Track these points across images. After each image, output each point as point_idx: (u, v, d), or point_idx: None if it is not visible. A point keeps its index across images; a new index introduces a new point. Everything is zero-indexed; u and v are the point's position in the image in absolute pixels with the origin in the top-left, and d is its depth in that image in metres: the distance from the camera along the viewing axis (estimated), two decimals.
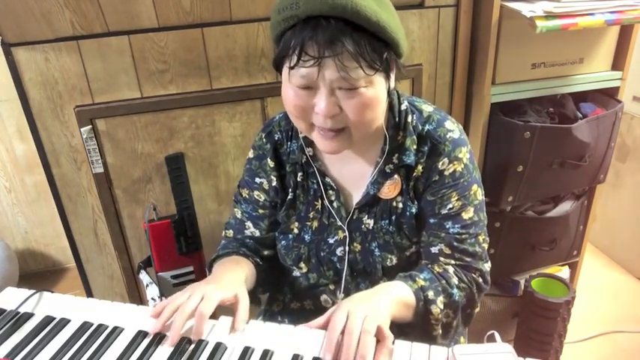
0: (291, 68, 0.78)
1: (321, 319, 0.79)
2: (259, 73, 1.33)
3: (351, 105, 0.79)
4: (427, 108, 0.95)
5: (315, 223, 0.99)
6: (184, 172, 1.37)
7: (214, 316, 0.83)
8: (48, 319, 0.83)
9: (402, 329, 0.86)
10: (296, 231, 1.00)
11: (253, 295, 1.00)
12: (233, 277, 0.90)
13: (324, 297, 1.02)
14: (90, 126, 1.25)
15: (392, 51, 0.81)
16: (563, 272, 1.74)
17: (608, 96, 1.56)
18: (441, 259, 0.93)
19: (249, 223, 1.04)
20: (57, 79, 1.20)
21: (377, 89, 0.80)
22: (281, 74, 0.84)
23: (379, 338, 0.75)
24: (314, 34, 0.74)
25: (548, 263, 1.73)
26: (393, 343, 0.76)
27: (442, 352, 0.76)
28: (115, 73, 1.24)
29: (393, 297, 0.83)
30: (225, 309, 0.85)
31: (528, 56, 1.41)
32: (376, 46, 0.77)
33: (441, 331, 0.89)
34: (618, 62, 1.51)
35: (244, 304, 0.84)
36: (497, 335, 0.78)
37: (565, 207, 1.63)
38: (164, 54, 1.25)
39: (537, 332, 1.56)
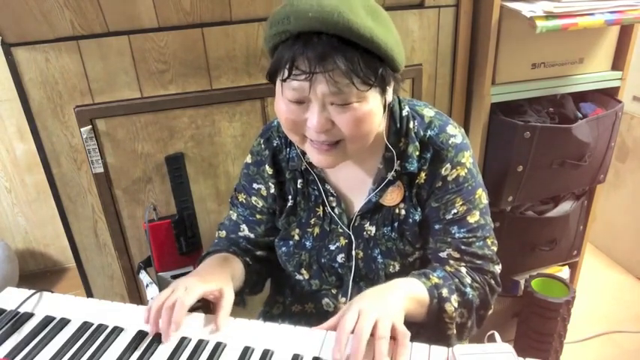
0: (284, 81, 0.77)
1: (332, 320, 0.78)
2: (259, 73, 1.33)
3: (344, 120, 0.78)
4: (428, 113, 0.94)
5: (317, 230, 0.98)
6: (184, 172, 1.37)
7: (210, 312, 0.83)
8: (48, 319, 0.83)
9: (417, 331, 0.85)
10: (297, 237, 0.99)
11: (239, 295, 0.98)
12: (219, 272, 0.89)
13: (325, 300, 1.02)
14: (90, 126, 1.25)
15: (387, 66, 0.79)
16: (563, 272, 1.74)
17: (608, 96, 1.55)
18: (451, 262, 0.92)
19: (244, 226, 1.04)
20: (57, 79, 1.20)
21: (370, 104, 0.79)
22: (275, 86, 0.83)
23: (395, 336, 0.73)
24: (305, 50, 0.73)
25: (548, 263, 1.73)
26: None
27: (442, 352, 0.76)
28: (115, 73, 1.24)
29: (407, 292, 0.82)
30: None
31: (528, 56, 1.41)
32: (370, 62, 0.76)
33: (455, 331, 0.88)
34: (618, 62, 1.51)
35: (228, 301, 0.83)
36: (497, 335, 0.78)
37: (565, 207, 1.63)
38: (164, 54, 1.25)
39: (537, 332, 1.56)
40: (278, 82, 0.80)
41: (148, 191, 1.38)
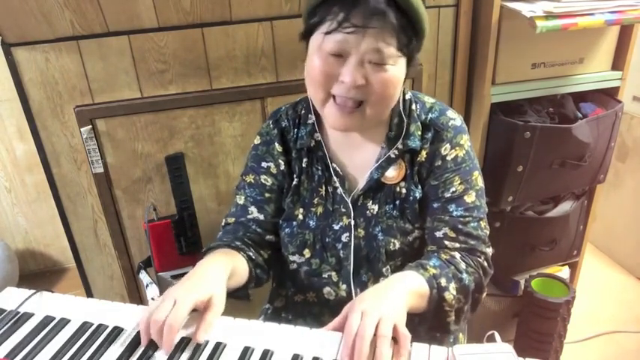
0: (328, 33, 0.81)
1: (336, 322, 0.79)
2: (259, 73, 1.33)
3: (377, 79, 0.83)
4: (429, 99, 1.00)
5: (320, 209, 1.00)
6: (184, 172, 1.37)
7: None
8: (48, 319, 0.83)
9: (418, 321, 0.86)
10: (300, 217, 1.00)
11: (243, 290, 0.98)
12: (213, 275, 0.85)
13: (327, 289, 1.02)
14: (90, 126, 1.25)
15: (418, 41, 0.86)
16: (563, 272, 1.74)
17: (608, 96, 1.56)
18: (446, 242, 0.94)
19: (252, 208, 1.02)
20: (57, 79, 1.20)
21: (400, 70, 0.85)
22: (307, 44, 0.88)
23: (396, 337, 0.74)
24: (360, 4, 0.78)
25: (548, 263, 1.73)
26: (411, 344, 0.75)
27: (442, 352, 0.76)
28: (115, 73, 1.24)
29: (408, 287, 0.83)
30: (227, 311, 0.84)
31: (528, 56, 1.41)
32: (408, 30, 0.82)
33: (454, 317, 0.89)
34: (618, 62, 1.51)
35: (215, 311, 0.80)
36: (497, 335, 0.78)
37: (565, 207, 1.63)
38: (164, 54, 1.25)
39: (537, 332, 1.56)
40: (316, 36, 0.84)
41: (148, 191, 1.38)
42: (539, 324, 1.54)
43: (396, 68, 0.84)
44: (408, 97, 0.97)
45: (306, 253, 1.01)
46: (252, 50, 1.30)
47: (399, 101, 0.95)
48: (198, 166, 1.38)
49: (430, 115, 0.96)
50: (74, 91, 1.23)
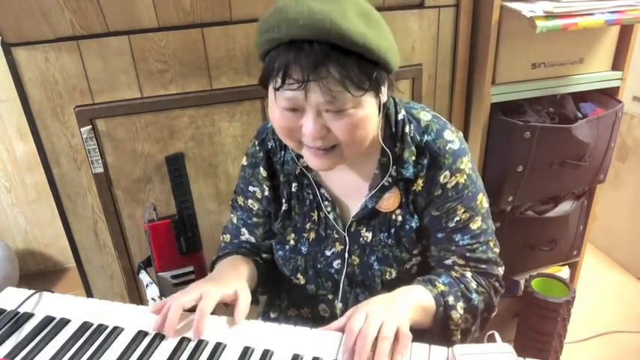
0: (277, 90, 0.76)
1: (339, 322, 0.79)
2: (259, 73, 1.32)
3: (340, 126, 0.77)
4: (425, 116, 0.91)
5: (312, 235, 0.97)
6: (184, 172, 1.37)
7: (214, 314, 0.83)
8: (48, 319, 0.83)
9: (421, 335, 0.85)
10: (292, 242, 0.98)
11: (253, 295, 0.99)
12: (233, 275, 0.89)
13: (322, 306, 1.02)
14: (90, 126, 1.25)
15: (381, 70, 0.78)
16: (563, 272, 1.74)
17: (608, 96, 1.55)
18: (456, 268, 0.92)
19: (244, 230, 1.04)
20: (57, 79, 1.20)
21: (366, 109, 0.78)
22: (267, 92, 0.81)
23: (397, 337, 0.74)
24: (297, 58, 0.72)
25: (548, 263, 1.73)
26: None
27: (442, 352, 0.76)
28: (115, 73, 1.23)
29: (412, 302, 0.82)
30: (227, 310, 0.85)
31: (528, 56, 1.41)
32: (364, 67, 0.74)
33: (459, 337, 0.89)
34: (618, 62, 1.51)
35: (245, 300, 0.83)
36: (497, 335, 0.78)
37: (565, 207, 1.63)
38: (164, 54, 1.25)
39: (537, 332, 1.56)
40: (271, 89, 0.79)
41: (148, 191, 1.38)
42: (539, 324, 1.54)
43: (360, 109, 0.77)
44: (400, 117, 0.89)
45: (300, 278, 0.99)
46: (252, 50, 1.30)
47: (390, 123, 0.89)
48: (198, 166, 1.38)
49: (426, 138, 0.88)
50: (74, 91, 1.23)
